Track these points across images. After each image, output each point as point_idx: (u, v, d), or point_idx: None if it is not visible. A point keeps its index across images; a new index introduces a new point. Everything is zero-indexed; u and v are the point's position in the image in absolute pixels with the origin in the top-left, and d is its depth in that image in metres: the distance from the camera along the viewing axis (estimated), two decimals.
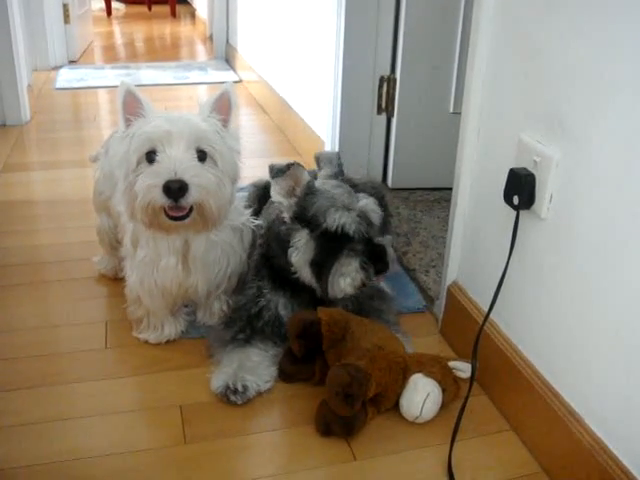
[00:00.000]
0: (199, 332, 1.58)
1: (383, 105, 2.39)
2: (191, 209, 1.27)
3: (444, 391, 1.28)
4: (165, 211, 1.27)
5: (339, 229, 1.33)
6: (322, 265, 1.35)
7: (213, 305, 1.56)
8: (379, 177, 2.50)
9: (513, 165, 1.25)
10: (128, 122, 1.32)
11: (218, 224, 1.35)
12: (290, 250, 1.40)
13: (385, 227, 1.92)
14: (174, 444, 1.25)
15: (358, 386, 1.19)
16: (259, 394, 1.37)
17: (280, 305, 1.49)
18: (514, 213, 1.24)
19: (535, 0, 1.19)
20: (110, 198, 1.61)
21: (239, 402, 1.33)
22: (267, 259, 1.51)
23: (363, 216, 1.36)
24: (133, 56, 4.92)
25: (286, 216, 1.41)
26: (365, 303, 1.53)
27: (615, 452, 1.05)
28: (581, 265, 1.12)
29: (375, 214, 1.38)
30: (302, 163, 1.40)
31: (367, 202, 1.39)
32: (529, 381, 1.25)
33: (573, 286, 1.14)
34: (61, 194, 2.39)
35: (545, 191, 1.17)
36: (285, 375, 1.41)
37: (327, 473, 1.21)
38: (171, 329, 1.53)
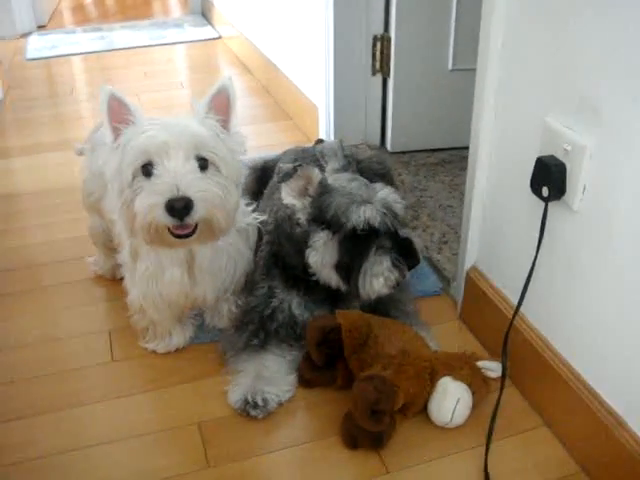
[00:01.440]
0: (209, 336, 1.50)
1: (378, 65, 2.26)
2: (197, 225, 1.18)
3: (474, 393, 1.22)
4: (169, 229, 1.17)
5: (365, 225, 1.24)
6: (350, 267, 1.27)
7: (222, 307, 1.48)
8: (377, 141, 2.40)
9: (538, 150, 1.16)
10: (116, 131, 1.20)
11: (226, 232, 1.25)
12: (308, 251, 1.31)
13: None
14: (198, 468, 1.20)
15: (386, 401, 1.12)
16: (280, 404, 1.30)
17: (294, 304, 1.41)
18: (541, 203, 1.16)
19: None
20: (101, 199, 1.50)
21: (260, 416, 1.27)
22: (277, 258, 1.43)
23: (387, 207, 1.27)
24: (104, 16, 4.66)
25: (301, 217, 1.31)
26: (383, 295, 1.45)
27: None
28: (617, 259, 1.04)
29: (398, 204, 1.29)
30: (309, 162, 1.30)
31: (387, 192, 1.30)
32: (563, 378, 1.19)
33: (608, 280, 1.07)
34: (46, 183, 2.25)
35: (578, 182, 1.08)
36: (305, 382, 1.35)
37: None
38: (179, 337, 1.45)
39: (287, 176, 1.26)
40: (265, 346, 1.38)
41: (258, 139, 2.53)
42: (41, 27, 4.15)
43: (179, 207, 1.13)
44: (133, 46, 3.72)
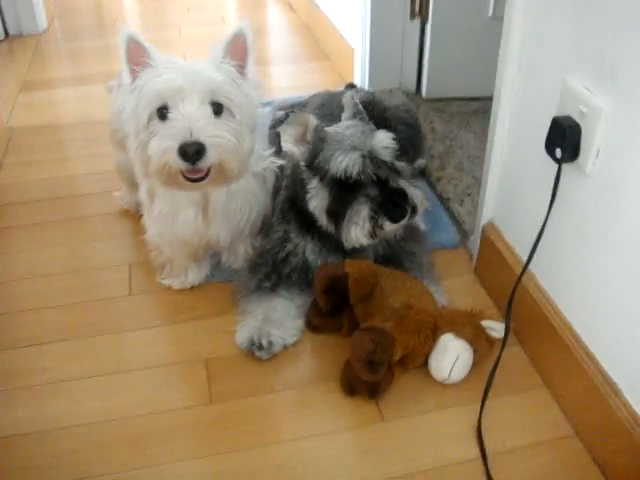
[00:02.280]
0: (224, 276, 1.54)
1: (417, 9, 2.19)
2: (209, 169, 1.19)
3: (475, 351, 1.23)
4: (182, 173, 1.19)
5: (342, 174, 1.24)
6: (337, 213, 1.28)
7: (237, 248, 1.51)
8: (412, 87, 2.35)
9: (556, 108, 1.13)
10: (134, 73, 1.21)
11: (239, 177, 1.27)
12: (307, 197, 1.33)
13: (418, 151, 1.82)
14: (200, 404, 1.25)
15: (382, 353, 1.14)
16: (285, 347, 1.34)
17: (308, 250, 1.43)
18: (554, 164, 1.13)
19: None
20: (126, 136, 1.53)
21: (264, 358, 1.31)
22: (293, 203, 1.44)
23: (372, 155, 1.25)
24: None
25: (302, 164, 1.32)
26: (397, 246, 1.45)
27: None
28: (625, 227, 1.02)
29: (386, 150, 1.27)
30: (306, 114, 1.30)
31: (382, 138, 1.28)
32: (564, 340, 1.19)
33: (616, 248, 1.05)
34: (88, 115, 2.27)
35: (592, 146, 1.05)
36: (312, 327, 1.38)
37: (354, 435, 1.19)
38: (195, 275, 1.50)
39: (279, 123, 1.27)
40: (276, 289, 1.41)
41: (295, 79, 2.53)
42: None
43: (191, 152, 1.15)
44: None
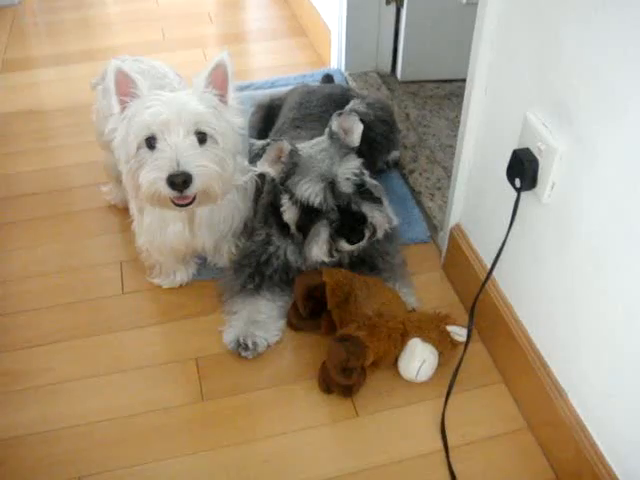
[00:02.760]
0: (210, 273, 1.65)
1: None
2: (195, 195, 1.29)
3: (441, 354, 1.36)
4: (171, 199, 1.28)
5: (305, 202, 1.35)
6: (303, 230, 1.40)
7: (222, 248, 1.61)
8: (387, 69, 2.42)
9: (517, 139, 1.23)
10: (123, 103, 1.29)
11: (223, 198, 1.37)
12: (281, 209, 1.44)
13: (392, 144, 1.91)
14: (193, 401, 1.38)
15: (355, 360, 1.27)
16: (269, 346, 1.46)
17: (289, 251, 1.53)
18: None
19: None
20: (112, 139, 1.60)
21: (250, 357, 1.44)
22: (274, 208, 1.53)
23: (336, 185, 1.35)
24: None
25: (277, 180, 1.42)
26: (371, 246, 1.56)
27: (592, 433, 1.15)
28: (577, 253, 1.13)
29: (350, 181, 1.36)
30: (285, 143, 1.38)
31: (349, 166, 1.37)
32: (519, 343, 1.32)
33: (569, 266, 1.17)
34: (74, 99, 2.28)
35: (547, 179, 1.16)
36: (293, 326, 1.50)
37: (332, 430, 1.33)
38: (182, 275, 1.60)
39: (261, 152, 1.36)
40: (259, 290, 1.52)
41: (274, 58, 2.56)
42: None
43: (179, 182, 1.24)
44: None
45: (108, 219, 1.82)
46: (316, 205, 1.35)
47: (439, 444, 1.30)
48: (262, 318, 1.48)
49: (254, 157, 1.36)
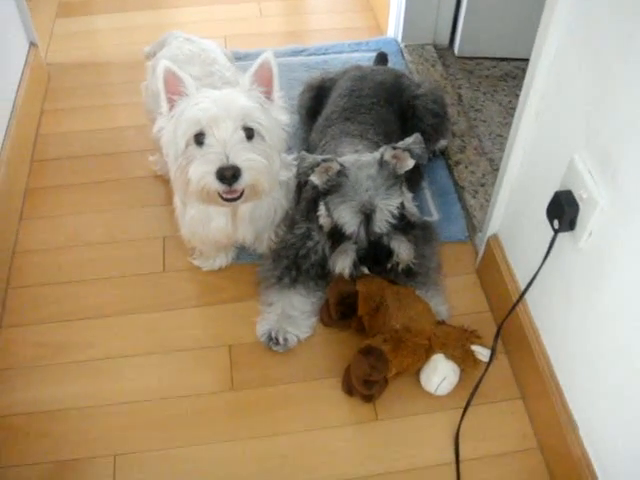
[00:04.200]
0: (250, 258, 1.70)
1: None
2: (244, 189, 1.32)
3: (462, 370, 1.40)
4: (219, 194, 1.32)
5: (340, 227, 1.39)
6: (333, 242, 1.44)
7: (262, 236, 1.65)
8: (446, 42, 2.35)
9: (559, 182, 1.22)
10: (171, 102, 1.31)
11: (270, 193, 1.41)
12: (317, 212, 1.48)
13: (442, 134, 1.89)
14: (223, 389, 1.46)
15: (378, 374, 1.33)
16: (299, 341, 1.53)
17: (327, 247, 1.56)
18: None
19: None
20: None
21: (280, 351, 1.50)
22: (315, 203, 1.56)
23: (375, 219, 1.37)
24: None
25: (319, 188, 1.45)
26: None
27: (597, 472, 1.20)
28: (608, 302, 1.14)
29: (388, 218, 1.38)
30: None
31: (391, 203, 1.38)
32: (540, 370, 1.35)
33: (596, 317, 1.18)
34: (133, 52, 2.21)
35: (586, 227, 1.16)
36: (324, 323, 1.56)
37: (350, 431, 1.40)
38: (222, 260, 1.66)
39: (304, 174, 1.39)
40: (295, 284, 1.57)
41: (332, 18, 2.51)
42: None
43: (228, 175, 1.27)
44: None
45: (154, 190, 1.87)
46: (347, 234, 1.38)
47: (451, 455, 1.36)
48: (295, 314, 1.54)
49: (302, 173, 1.38)
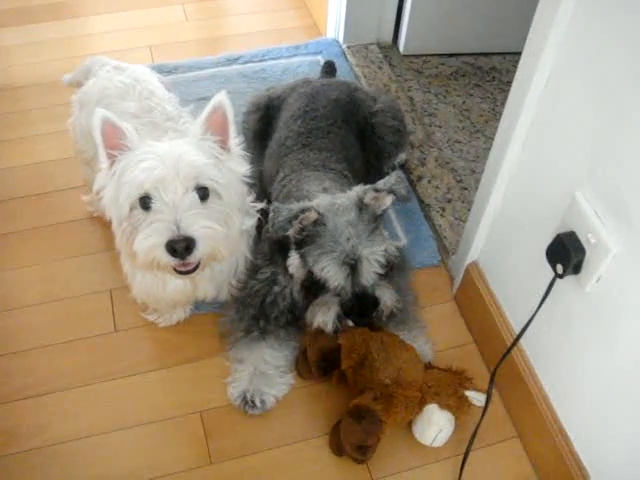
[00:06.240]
0: (210, 307, 1.54)
1: None
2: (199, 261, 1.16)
3: (457, 418, 1.31)
4: (172, 266, 1.15)
5: (323, 281, 1.25)
6: (309, 292, 1.31)
7: (223, 287, 1.49)
8: (389, 40, 2.22)
9: (559, 223, 1.12)
10: (111, 156, 1.13)
11: (230, 258, 1.24)
12: (287, 261, 1.34)
13: (401, 148, 1.77)
14: (200, 464, 1.31)
15: (372, 439, 1.23)
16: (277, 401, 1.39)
17: (295, 291, 1.43)
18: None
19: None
20: (93, 157, 1.43)
21: (257, 414, 1.36)
22: (281, 245, 1.41)
23: (361, 271, 1.24)
24: None
25: (291, 235, 1.29)
26: None
27: None
28: (618, 350, 1.07)
29: (374, 267, 1.25)
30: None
31: (376, 250, 1.25)
32: (540, 411, 1.28)
33: (606, 364, 1.10)
34: (47, 71, 2.01)
35: (594, 272, 1.07)
36: (302, 377, 1.42)
37: None
38: (180, 314, 1.49)
39: (281, 229, 1.24)
40: (264, 335, 1.43)
41: (259, 20, 2.33)
42: None
43: (180, 248, 1.11)
44: None
45: (93, 234, 1.67)
46: (331, 288, 1.24)
47: None
48: (270, 371, 1.40)
49: (278, 227, 1.22)
